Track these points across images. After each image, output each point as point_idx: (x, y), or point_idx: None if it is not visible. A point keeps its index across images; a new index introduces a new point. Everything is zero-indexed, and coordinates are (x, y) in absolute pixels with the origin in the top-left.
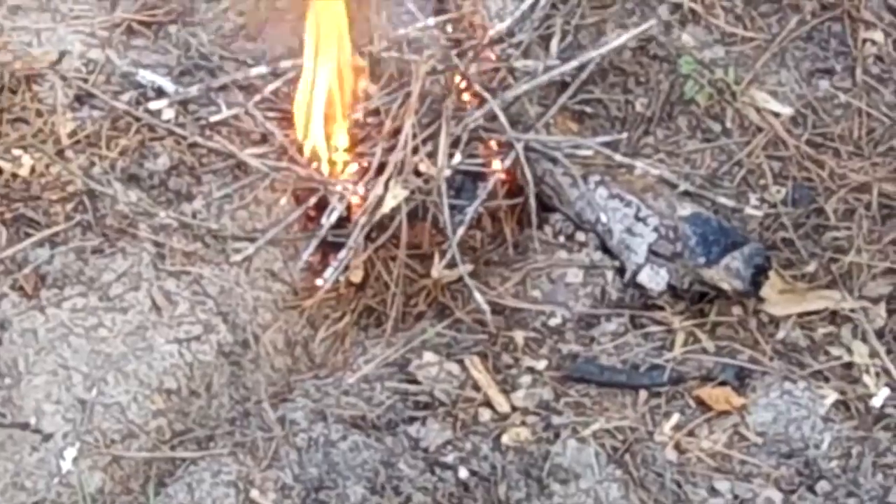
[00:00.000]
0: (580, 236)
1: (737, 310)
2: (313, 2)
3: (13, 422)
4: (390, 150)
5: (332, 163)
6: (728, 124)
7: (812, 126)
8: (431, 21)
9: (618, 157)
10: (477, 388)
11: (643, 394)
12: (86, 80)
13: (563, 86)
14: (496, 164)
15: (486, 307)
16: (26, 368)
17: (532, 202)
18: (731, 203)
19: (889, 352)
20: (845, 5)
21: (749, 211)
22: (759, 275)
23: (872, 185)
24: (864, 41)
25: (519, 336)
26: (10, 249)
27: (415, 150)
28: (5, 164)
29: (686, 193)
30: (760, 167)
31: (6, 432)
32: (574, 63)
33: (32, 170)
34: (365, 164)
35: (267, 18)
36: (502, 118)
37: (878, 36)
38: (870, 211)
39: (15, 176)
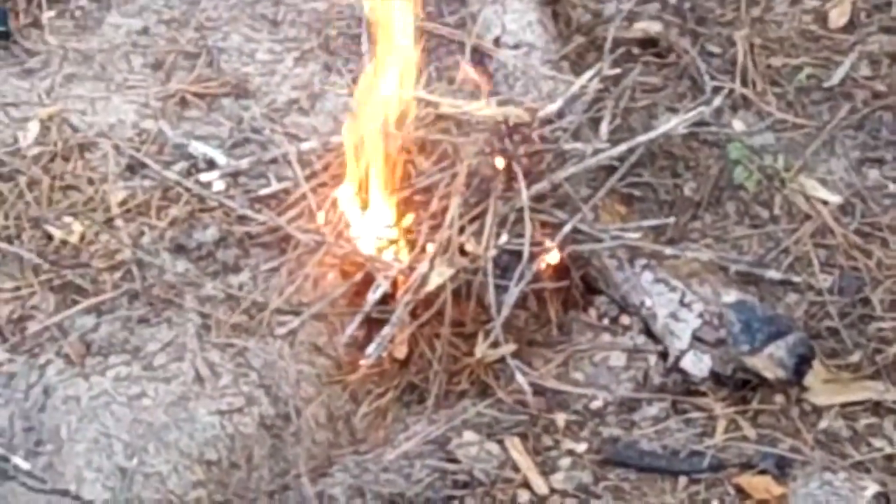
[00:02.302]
0: (624, 320)
1: (779, 398)
2: (361, 80)
3: (54, 488)
4: (437, 228)
5: (378, 239)
6: (776, 211)
7: (861, 215)
8: (483, 100)
9: (664, 242)
10: (516, 468)
11: (682, 480)
12: (138, 150)
13: (612, 168)
14: (543, 245)
15: (527, 388)
16: (68, 435)
17: (577, 284)
18: (777, 290)
19: None
20: None
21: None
22: (802, 364)
23: None
24: None
25: (560, 418)
26: (57, 316)
27: (461, 230)
28: (56, 231)
29: (732, 280)
30: (807, 255)
31: (46, 498)
32: (623, 147)
33: (82, 237)
34: (411, 242)
35: (319, 93)
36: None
37: None
38: None
39: (65, 243)
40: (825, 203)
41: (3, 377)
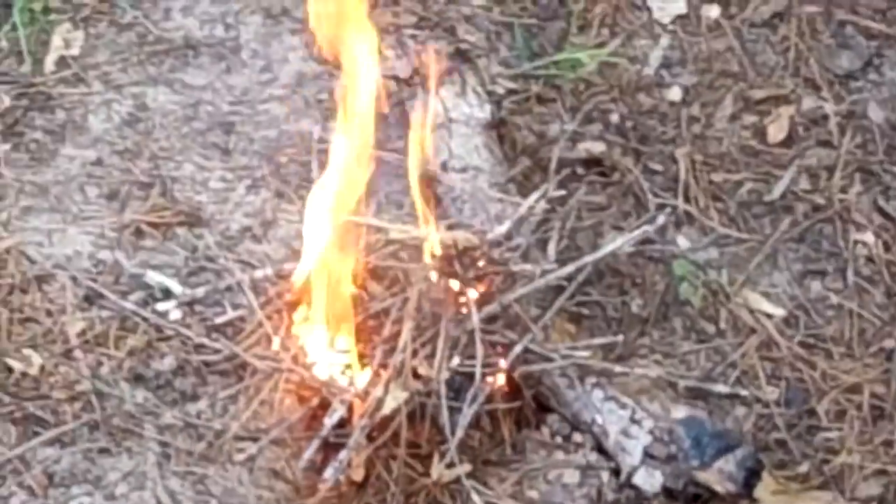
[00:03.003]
0: (577, 437)
1: None
2: (312, 207)
3: None
4: (390, 352)
5: (333, 365)
6: (722, 325)
7: (804, 327)
8: (431, 225)
9: (613, 360)
10: None
11: None
12: (95, 281)
13: (561, 288)
14: (495, 366)
15: None
16: None
17: (530, 403)
18: (725, 404)
19: None
20: (836, 207)
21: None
22: (751, 476)
23: (864, 387)
24: (856, 242)
25: None
26: (18, 448)
27: (414, 353)
28: (15, 364)
29: (681, 395)
30: (754, 368)
31: None
32: (571, 266)
33: (42, 369)
34: (366, 367)
35: (272, 221)
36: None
37: (868, 237)
38: (861, 412)
39: (25, 375)
40: (769, 316)
41: None
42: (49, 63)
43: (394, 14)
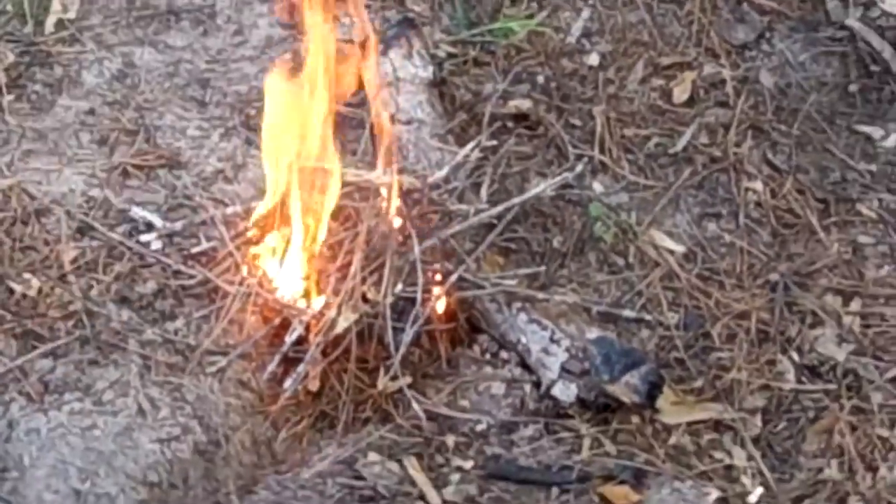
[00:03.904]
0: (504, 354)
1: (635, 419)
2: (282, 153)
3: None
4: (342, 279)
5: (293, 290)
6: (630, 259)
7: (701, 261)
8: (381, 170)
9: (536, 288)
10: (413, 483)
11: (555, 490)
12: (87, 215)
13: (492, 226)
14: (433, 293)
15: (422, 415)
16: (30, 462)
17: (463, 325)
18: (632, 327)
19: (763, 456)
20: (731, 159)
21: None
22: (654, 389)
23: (751, 313)
24: (747, 189)
25: (450, 440)
26: (19, 360)
27: (363, 280)
28: (16, 286)
29: (594, 319)
30: (657, 296)
31: None
32: (500, 207)
33: (39, 291)
34: (321, 292)
35: (242, 164)
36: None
37: (758, 185)
38: (749, 335)
39: (24, 296)
40: (671, 252)
41: None
42: (49, 25)
43: None
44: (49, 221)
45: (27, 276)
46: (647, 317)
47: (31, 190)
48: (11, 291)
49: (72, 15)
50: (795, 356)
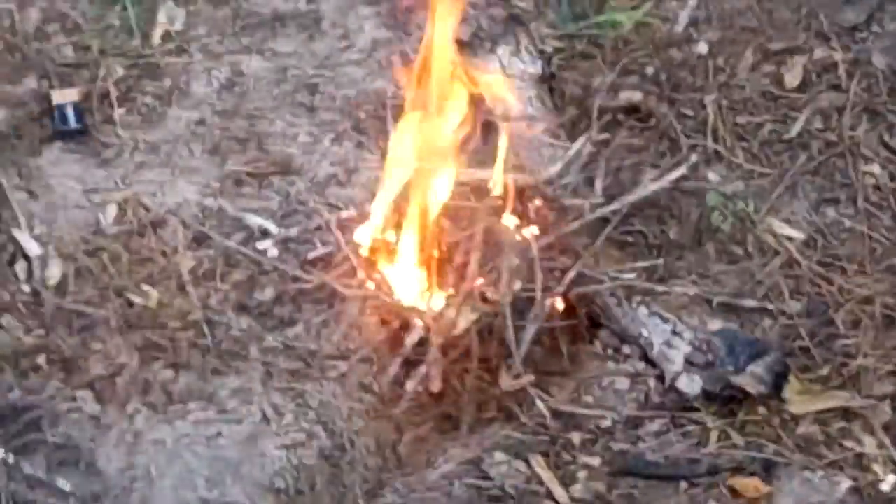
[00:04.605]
0: (625, 349)
1: (762, 410)
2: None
3: None
4: (461, 279)
5: (412, 291)
6: (749, 248)
7: (822, 248)
8: (494, 168)
9: (655, 281)
10: (541, 482)
11: (683, 484)
12: (202, 224)
13: (607, 220)
14: (552, 290)
15: (546, 412)
16: (157, 473)
17: (583, 321)
18: (754, 317)
19: (895, 443)
20: (846, 143)
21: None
22: (780, 379)
23: (875, 298)
24: (864, 173)
25: (576, 437)
26: (142, 372)
27: (481, 280)
28: (136, 298)
29: (715, 310)
30: (778, 285)
31: None
32: (616, 203)
33: (159, 302)
34: (440, 292)
35: (354, 168)
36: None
37: (875, 169)
38: (874, 321)
39: (144, 308)
40: (791, 239)
41: (100, 427)
42: (155, 37)
43: None
44: (165, 232)
45: (146, 287)
46: (770, 306)
47: (146, 202)
48: (131, 304)
49: (178, 26)
50: None
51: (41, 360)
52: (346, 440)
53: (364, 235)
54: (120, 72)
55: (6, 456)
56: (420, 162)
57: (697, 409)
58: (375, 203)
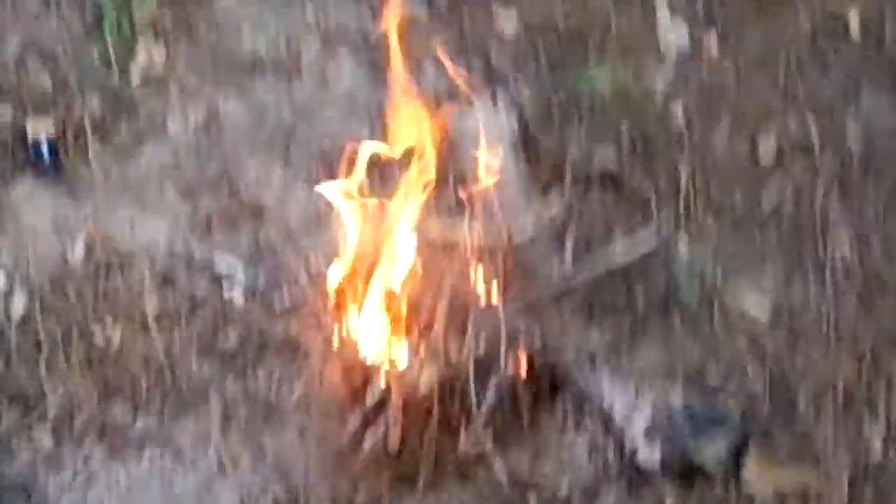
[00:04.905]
0: (587, 417)
1: (720, 487)
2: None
3: None
4: (426, 337)
5: (376, 346)
6: (715, 324)
7: (787, 325)
8: (464, 227)
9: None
10: None
11: None
12: (170, 265)
13: (574, 287)
14: (517, 354)
15: (504, 477)
16: None
17: (546, 387)
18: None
19: None
20: (818, 221)
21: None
22: (739, 456)
23: (838, 377)
24: (834, 251)
25: (532, 502)
26: (100, 411)
27: (446, 339)
28: (99, 337)
29: (678, 382)
30: (742, 361)
31: None
32: (585, 270)
33: (122, 342)
34: (403, 351)
35: (327, 215)
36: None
37: (845, 248)
38: (836, 400)
39: (107, 346)
40: (756, 318)
41: (53, 464)
42: (134, 73)
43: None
44: (132, 271)
45: (109, 326)
46: (732, 382)
47: (116, 238)
48: (93, 342)
49: (157, 64)
50: (883, 423)
51: None
52: (302, 492)
53: (331, 286)
54: (97, 106)
55: None
56: (390, 217)
57: (655, 483)
58: (341, 256)
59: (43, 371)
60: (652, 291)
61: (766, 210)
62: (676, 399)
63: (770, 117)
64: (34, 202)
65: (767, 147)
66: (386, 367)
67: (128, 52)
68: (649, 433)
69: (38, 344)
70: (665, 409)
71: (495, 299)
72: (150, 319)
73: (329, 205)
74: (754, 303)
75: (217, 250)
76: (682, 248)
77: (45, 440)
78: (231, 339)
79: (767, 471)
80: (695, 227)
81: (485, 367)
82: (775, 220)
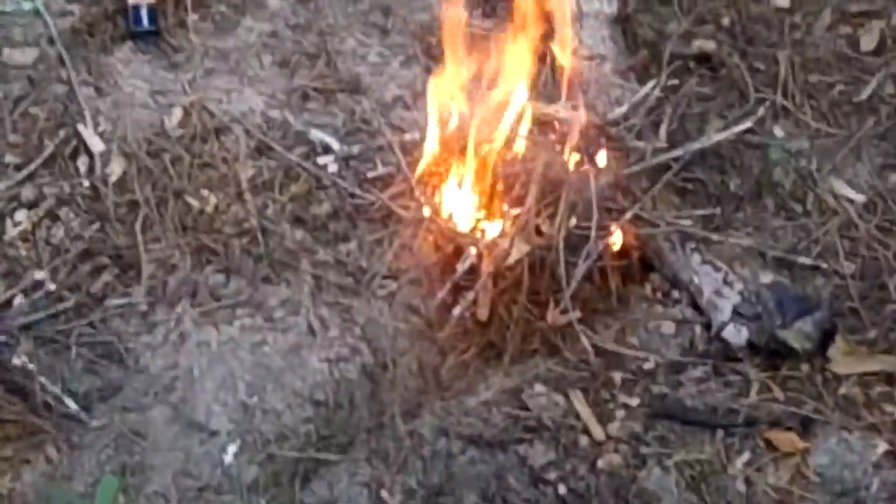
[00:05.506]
0: (675, 294)
1: (805, 367)
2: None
3: (187, 419)
4: (518, 211)
5: (468, 218)
6: (808, 206)
7: (881, 213)
8: (562, 104)
9: (711, 230)
10: (578, 417)
11: (720, 433)
12: (265, 135)
13: (668, 166)
14: (607, 229)
15: (590, 349)
16: (199, 374)
17: (636, 263)
18: (807, 275)
19: None
20: None
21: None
22: (826, 338)
23: None
24: None
25: (617, 376)
26: (193, 274)
27: (538, 213)
28: (194, 202)
29: (768, 264)
30: (834, 245)
31: (180, 428)
32: (679, 150)
33: (216, 208)
34: (495, 222)
35: (421, 92)
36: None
37: None
38: None
39: (201, 212)
40: (851, 201)
41: (147, 324)
42: None
43: None
44: (228, 140)
45: (204, 192)
46: (823, 265)
47: (212, 108)
48: (189, 207)
49: None
50: None
51: (95, 253)
52: (389, 359)
53: (425, 158)
54: None
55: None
56: (488, 92)
57: (741, 360)
58: (436, 129)
59: (139, 233)
60: (746, 174)
61: (864, 98)
62: (766, 279)
63: (873, 6)
64: (133, 69)
65: (869, 36)
66: (477, 237)
67: None
68: (738, 312)
69: (133, 206)
70: (755, 289)
71: (589, 174)
72: (244, 186)
73: (425, 80)
74: (849, 188)
75: (312, 121)
76: (778, 131)
77: (139, 300)
78: (324, 207)
79: (854, 354)
80: (791, 110)
81: (575, 241)
82: (873, 108)
